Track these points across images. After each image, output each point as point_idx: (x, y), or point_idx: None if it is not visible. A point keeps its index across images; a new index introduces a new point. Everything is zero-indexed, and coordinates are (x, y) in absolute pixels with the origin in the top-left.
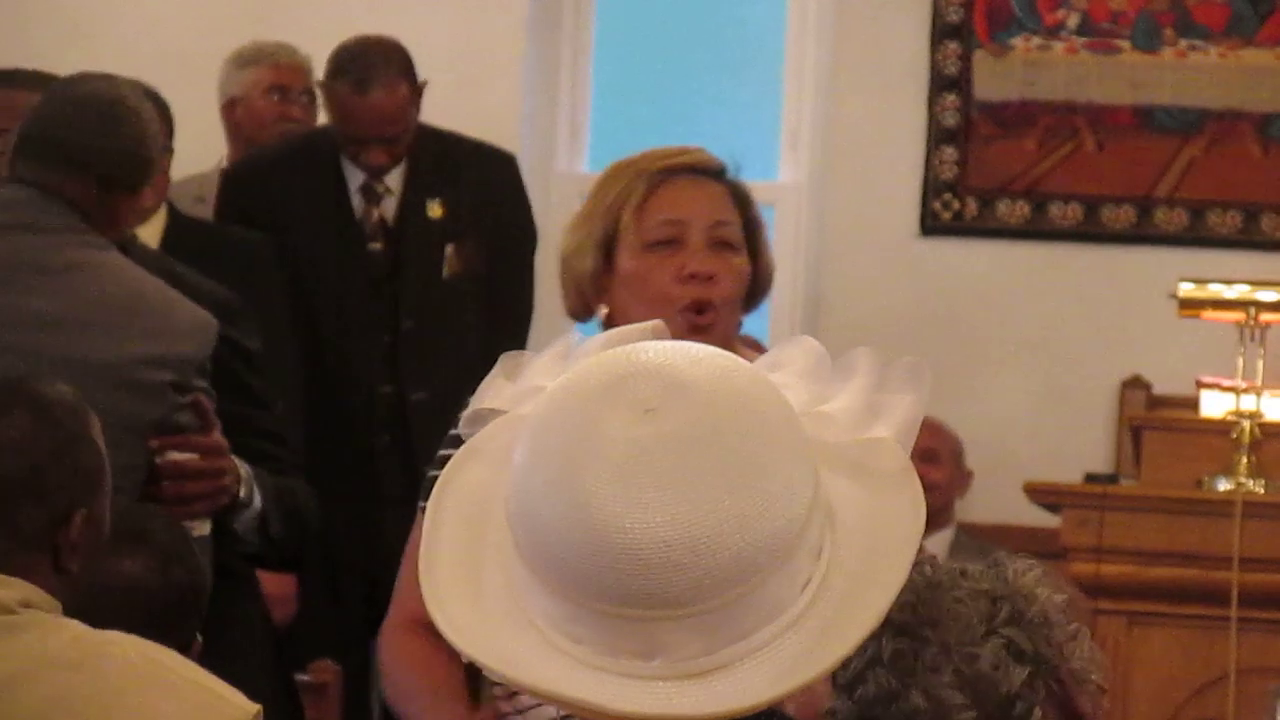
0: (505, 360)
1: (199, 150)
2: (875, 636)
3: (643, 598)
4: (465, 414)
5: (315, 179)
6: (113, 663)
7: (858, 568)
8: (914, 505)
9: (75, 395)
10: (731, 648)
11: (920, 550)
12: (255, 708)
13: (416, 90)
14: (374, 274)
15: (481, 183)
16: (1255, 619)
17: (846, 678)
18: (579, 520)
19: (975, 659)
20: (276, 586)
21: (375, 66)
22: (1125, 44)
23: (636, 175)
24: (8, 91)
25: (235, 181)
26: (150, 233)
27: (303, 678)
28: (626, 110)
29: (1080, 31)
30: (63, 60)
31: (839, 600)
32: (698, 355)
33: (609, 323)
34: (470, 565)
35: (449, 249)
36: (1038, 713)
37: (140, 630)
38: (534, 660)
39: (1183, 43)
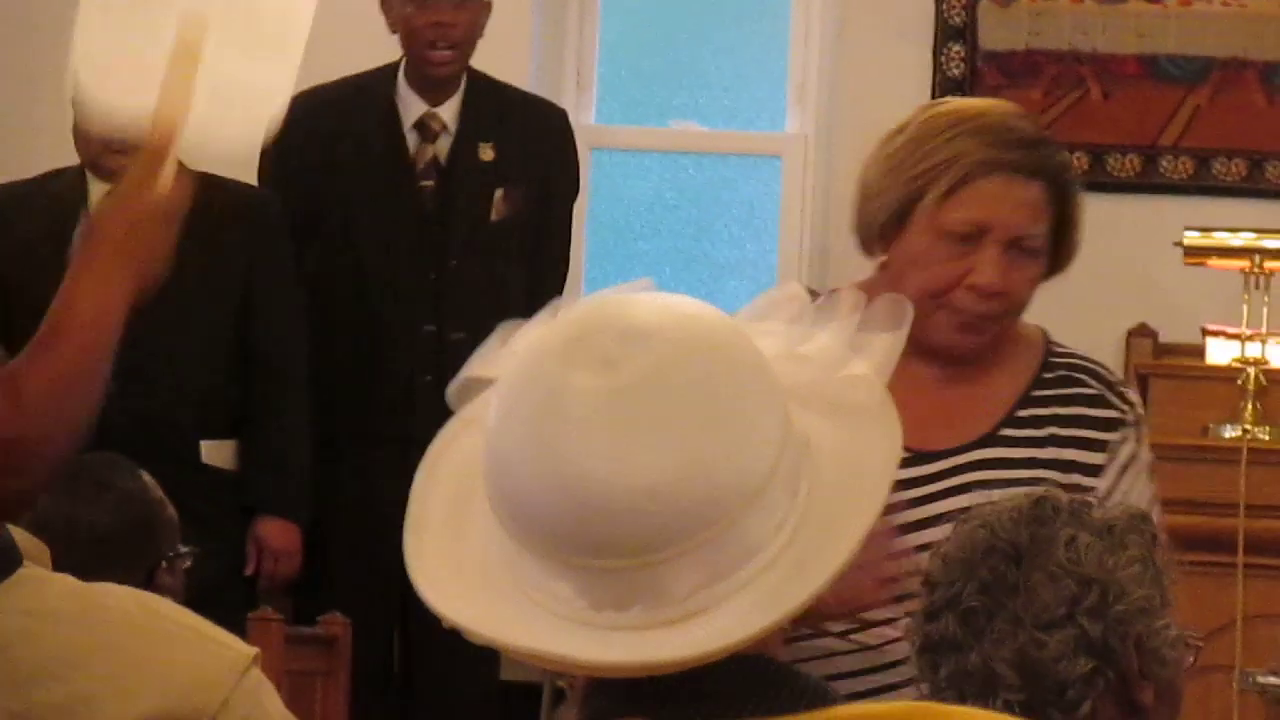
0: (503, 329)
1: None
2: (965, 578)
3: (611, 547)
4: (456, 382)
5: (369, 115)
6: (111, 614)
7: (833, 503)
8: (890, 438)
9: None
10: (707, 590)
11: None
12: (254, 651)
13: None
14: (423, 212)
15: (532, 131)
16: (1262, 565)
17: (930, 607)
18: (546, 475)
19: (1043, 645)
20: (282, 540)
21: None
22: None
23: (955, 156)
24: None
25: (286, 113)
26: None
27: (313, 630)
28: (634, 62)
29: None
30: None
31: (814, 536)
32: (660, 304)
33: (882, 273)
34: (455, 531)
35: (498, 193)
36: (1086, 706)
37: (92, 565)
38: (515, 620)
39: None
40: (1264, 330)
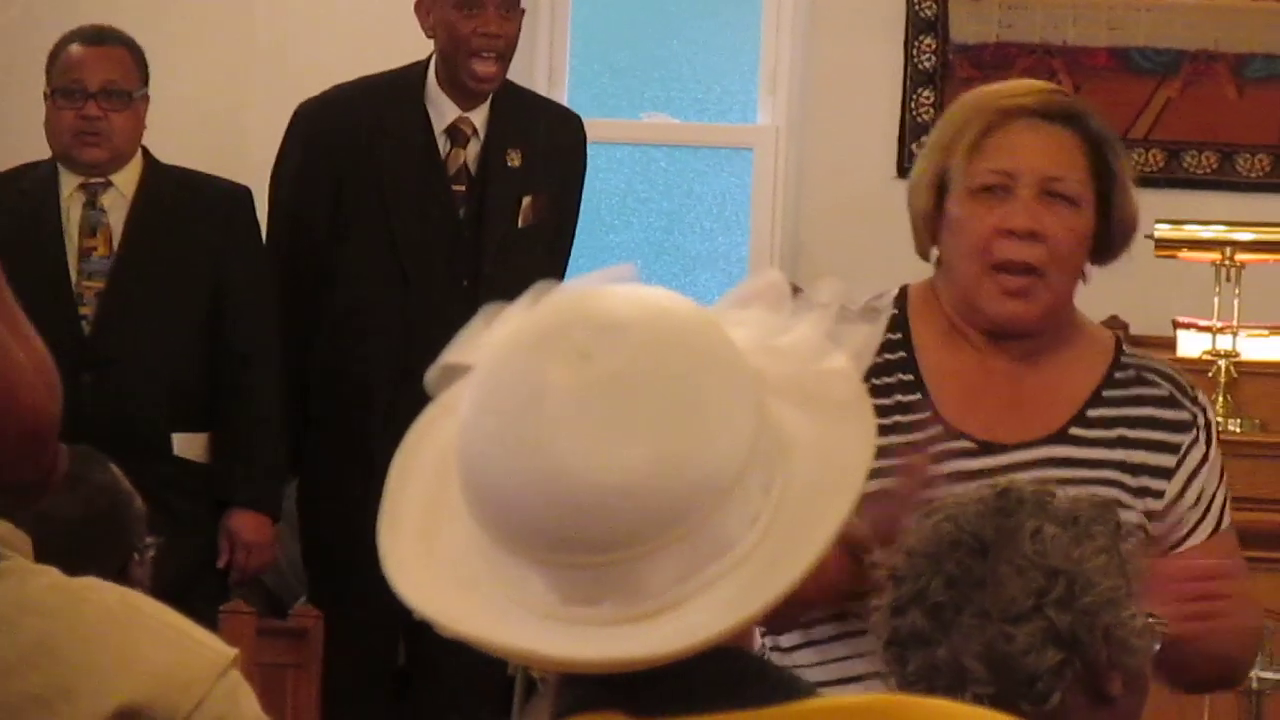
0: (485, 312)
1: (182, 98)
2: (931, 573)
3: (583, 543)
4: (434, 369)
5: (403, 116)
6: (91, 608)
7: (807, 498)
8: (864, 433)
9: None
10: (680, 586)
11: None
12: (234, 652)
13: (520, 9)
14: (456, 218)
15: (553, 138)
16: None
17: (896, 602)
18: (519, 471)
19: (1011, 638)
20: (254, 533)
21: None
22: None
23: (975, 113)
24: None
25: (315, 112)
26: (127, 178)
27: (284, 623)
28: (605, 55)
29: None
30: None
31: (788, 532)
32: (635, 296)
33: (939, 267)
34: (430, 521)
35: (525, 200)
36: (1056, 697)
37: (64, 559)
38: (487, 614)
39: None
40: (1235, 323)
